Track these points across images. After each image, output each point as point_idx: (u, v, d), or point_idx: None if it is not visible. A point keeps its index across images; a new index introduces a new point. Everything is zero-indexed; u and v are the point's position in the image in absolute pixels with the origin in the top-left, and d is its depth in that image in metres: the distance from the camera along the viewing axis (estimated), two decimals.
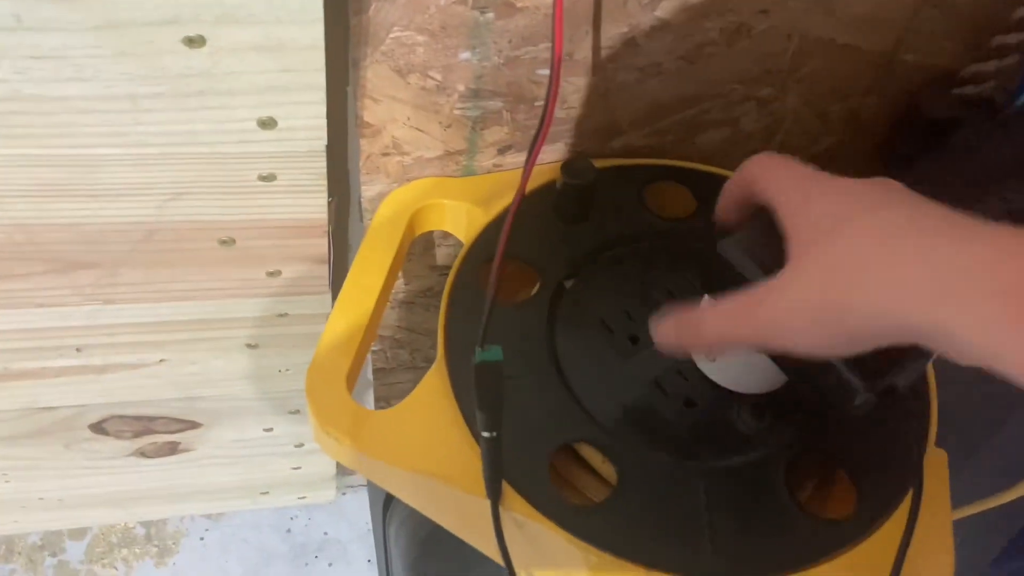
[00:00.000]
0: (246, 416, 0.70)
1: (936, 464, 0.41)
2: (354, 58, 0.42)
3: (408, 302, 0.62)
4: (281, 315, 0.57)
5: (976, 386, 0.60)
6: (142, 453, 0.72)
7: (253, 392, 0.66)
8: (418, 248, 0.57)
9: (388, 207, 0.49)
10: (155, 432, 0.70)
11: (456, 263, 0.46)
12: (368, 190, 0.50)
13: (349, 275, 0.46)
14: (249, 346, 0.60)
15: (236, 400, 0.67)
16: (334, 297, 0.55)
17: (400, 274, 0.60)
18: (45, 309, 0.52)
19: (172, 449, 0.72)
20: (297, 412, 0.71)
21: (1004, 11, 0.46)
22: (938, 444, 0.43)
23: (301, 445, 0.76)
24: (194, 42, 0.35)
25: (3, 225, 0.45)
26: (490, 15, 0.41)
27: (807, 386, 0.39)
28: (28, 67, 0.36)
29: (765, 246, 0.39)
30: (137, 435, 0.69)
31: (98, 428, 0.68)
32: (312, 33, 0.36)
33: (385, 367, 0.70)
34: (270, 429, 0.72)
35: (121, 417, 0.67)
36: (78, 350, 0.57)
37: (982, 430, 0.60)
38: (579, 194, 0.47)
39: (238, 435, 0.72)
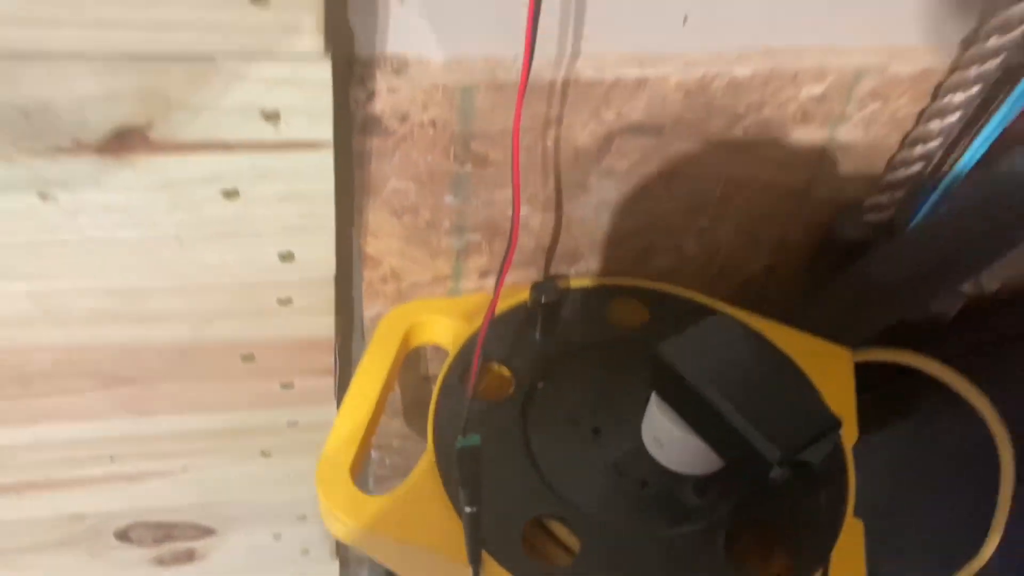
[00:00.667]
0: (257, 522, 0.76)
1: (853, 531, 0.48)
2: (359, 204, 0.52)
3: (405, 412, 0.70)
4: (292, 423, 0.64)
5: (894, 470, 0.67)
6: (160, 561, 0.78)
7: (265, 498, 0.73)
8: (412, 362, 0.66)
9: (386, 325, 0.58)
10: (175, 539, 0.76)
11: (443, 369, 0.54)
12: (369, 311, 0.59)
13: (353, 382, 0.54)
14: (263, 454, 0.67)
15: (249, 506, 0.74)
16: (338, 405, 0.62)
17: (396, 386, 0.68)
18: (88, 421, 0.60)
19: (189, 556, 0.78)
20: (304, 518, 0.77)
21: (891, 152, 0.56)
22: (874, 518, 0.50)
23: (307, 552, 0.81)
24: (231, 194, 0.45)
25: (61, 347, 0.53)
26: (468, 167, 0.51)
27: (737, 465, 0.46)
28: (99, 218, 0.45)
29: (696, 349, 0.47)
30: (158, 542, 0.76)
31: (123, 536, 0.74)
32: (325, 186, 0.46)
33: (384, 475, 0.77)
34: (278, 535, 0.78)
35: (144, 524, 0.73)
36: (112, 459, 0.64)
37: (906, 513, 0.67)
38: (548, 310, 0.55)
39: (249, 541, 0.78)
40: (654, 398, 0.49)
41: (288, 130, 0.42)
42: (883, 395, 0.65)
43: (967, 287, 0.66)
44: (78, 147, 0.41)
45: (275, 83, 0.40)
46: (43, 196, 0.43)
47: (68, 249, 0.46)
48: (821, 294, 0.60)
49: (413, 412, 0.70)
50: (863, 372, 0.62)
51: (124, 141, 0.41)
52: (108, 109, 0.40)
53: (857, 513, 0.49)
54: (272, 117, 0.41)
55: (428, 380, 0.68)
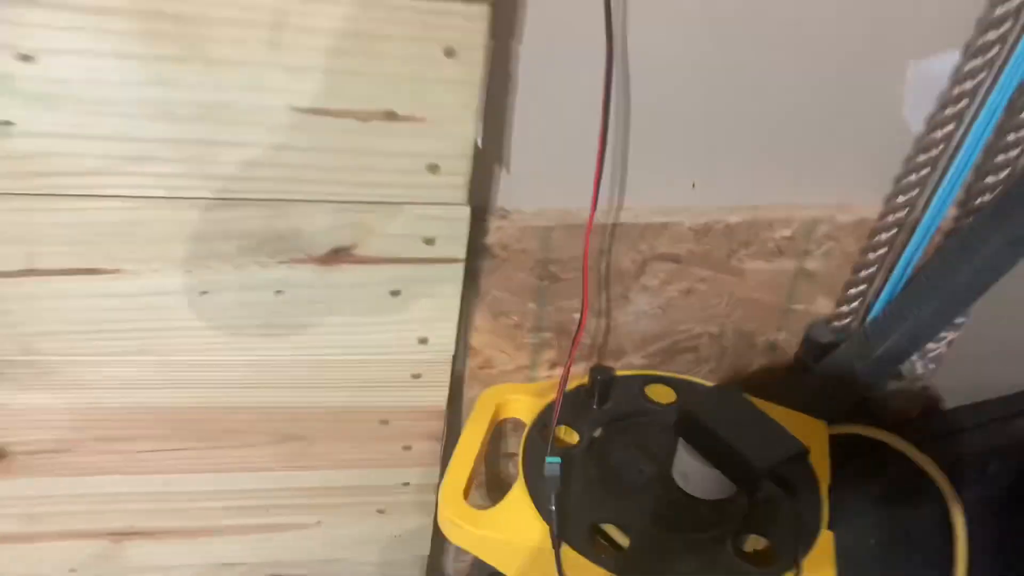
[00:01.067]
0: None
1: (825, 540, 0.67)
2: (469, 307, 0.75)
3: (487, 484, 0.90)
4: (405, 484, 0.84)
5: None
6: None
7: (372, 557, 0.92)
8: (495, 438, 0.86)
9: (482, 401, 0.79)
10: None
11: (526, 431, 0.75)
12: (469, 391, 0.81)
13: (460, 440, 0.75)
14: (379, 512, 0.87)
15: (358, 565, 0.92)
16: (441, 470, 0.83)
17: (483, 461, 0.88)
18: (258, 473, 0.81)
19: None
20: None
21: (846, 277, 0.79)
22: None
23: None
24: (396, 293, 0.68)
25: (256, 407, 0.75)
26: (546, 282, 0.74)
27: (740, 489, 0.66)
28: (310, 307, 0.68)
29: (708, 405, 0.68)
30: None
31: None
32: (456, 289, 0.69)
33: None
34: None
35: None
36: (267, 510, 0.84)
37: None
38: (602, 386, 0.76)
39: None
40: (680, 443, 0.69)
41: (438, 250, 0.66)
42: (858, 467, 0.84)
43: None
44: (307, 259, 0.65)
45: (435, 220, 0.64)
46: (277, 292, 0.66)
47: (284, 329, 0.69)
48: (803, 382, 0.81)
49: (493, 485, 0.90)
50: (844, 447, 0.81)
51: (336, 255, 0.65)
52: (332, 234, 0.64)
53: None
54: (430, 241, 0.65)
55: (507, 456, 0.89)
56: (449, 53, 0.55)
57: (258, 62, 0.53)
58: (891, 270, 0.75)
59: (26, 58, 0.52)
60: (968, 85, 0.64)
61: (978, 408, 0.89)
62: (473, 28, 0.54)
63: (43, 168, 0.57)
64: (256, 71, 0.54)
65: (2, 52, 0.51)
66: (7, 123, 0.54)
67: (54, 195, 0.59)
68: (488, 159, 0.66)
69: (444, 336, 0.72)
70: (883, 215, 0.74)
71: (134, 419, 0.74)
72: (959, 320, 0.78)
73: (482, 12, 0.53)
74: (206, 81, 0.54)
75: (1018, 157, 0.67)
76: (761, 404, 0.78)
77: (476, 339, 0.77)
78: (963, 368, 0.86)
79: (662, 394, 0.80)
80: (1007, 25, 0.61)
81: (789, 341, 0.83)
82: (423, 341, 0.72)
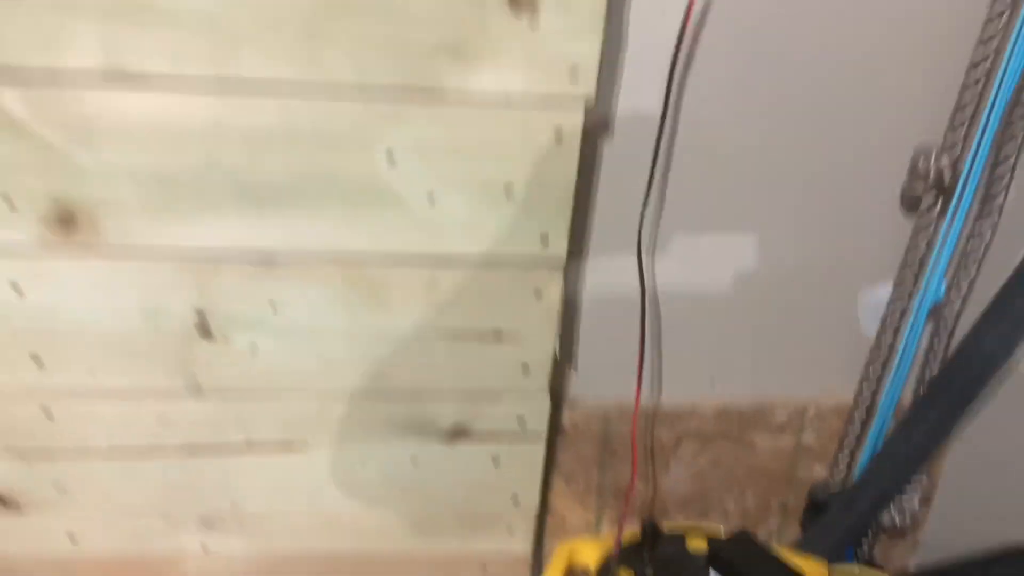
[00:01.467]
0: None
1: None
2: (546, 473, 1.00)
3: None
4: None
5: None
6: None
7: None
8: None
9: (557, 553, 1.02)
10: None
11: (594, 570, 0.97)
12: (547, 545, 1.04)
13: None
14: None
15: None
16: None
17: None
18: None
19: None
20: None
21: (835, 448, 1.03)
22: None
23: None
24: (496, 460, 0.94)
25: (382, 552, 0.99)
26: (606, 455, 1.00)
27: None
28: (437, 473, 0.94)
29: (731, 546, 0.91)
30: None
31: None
32: (540, 458, 0.95)
33: None
34: None
35: None
36: None
37: None
38: (652, 537, 0.99)
39: None
40: (712, 573, 0.92)
41: (527, 429, 0.92)
42: None
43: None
44: (435, 435, 0.92)
45: (526, 406, 0.91)
46: (413, 461, 0.93)
47: (415, 490, 0.95)
48: (808, 532, 1.03)
49: None
50: None
51: (456, 432, 0.92)
52: (453, 417, 0.91)
53: None
54: (521, 421, 0.92)
55: None
56: (538, 295, 0.84)
57: (417, 304, 0.83)
58: (866, 441, 0.99)
59: (274, 307, 0.82)
60: (899, 305, 0.92)
61: (960, 561, 1.09)
62: (553, 281, 0.84)
63: (268, 373, 0.86)
64: (415, 309, 0.84)
65: (263, 304, 0.82)
66: (255, 348, 0.84)
67: (272, 392, 0.87)
68: (562, 363, 0.94)
69: (531, 496, 0.97)
70: (855, 400, 0.99)
71: (297, 561, 0.99)
72: (922, 478, 1.01)
73: (559, 275, 0.83)
74: (383, 316, 0.84)
75: (944, 359, 0.93)
76: (774, 547, 1.00)
77: (553, 499, 1.02)
78: (943, 530, 1.07)
79: (698, 544, 1.02)
80: (915, 266, 0.89)
81: (796, 502, 1.06)
82: (515, 500, 0.97)
